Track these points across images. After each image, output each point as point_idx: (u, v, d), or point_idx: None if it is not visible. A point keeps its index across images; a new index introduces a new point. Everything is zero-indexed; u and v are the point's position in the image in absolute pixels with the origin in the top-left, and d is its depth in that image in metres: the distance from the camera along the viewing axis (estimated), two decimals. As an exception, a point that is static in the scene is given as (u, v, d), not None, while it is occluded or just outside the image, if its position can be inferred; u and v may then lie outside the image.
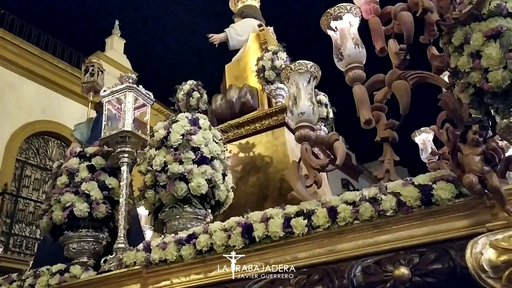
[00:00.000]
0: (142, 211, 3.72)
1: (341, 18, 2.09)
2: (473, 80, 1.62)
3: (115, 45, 12.78)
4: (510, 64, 1.54)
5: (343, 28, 2.08)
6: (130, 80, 2.81)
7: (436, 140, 3.46)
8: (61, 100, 10.20)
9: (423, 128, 3.65)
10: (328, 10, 2.12)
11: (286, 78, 2.17)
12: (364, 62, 2.09)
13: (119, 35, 13.14)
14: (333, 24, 2.11)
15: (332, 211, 1.74)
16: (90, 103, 4.27)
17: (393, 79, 1.98)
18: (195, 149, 2.42)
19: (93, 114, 3.92)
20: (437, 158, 2.92)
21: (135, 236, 2.78)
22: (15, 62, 9.60)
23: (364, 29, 2.28)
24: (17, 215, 8.78)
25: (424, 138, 3.67)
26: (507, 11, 1.64)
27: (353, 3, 2.17)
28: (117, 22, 13.27)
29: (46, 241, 3.08)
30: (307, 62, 2.13)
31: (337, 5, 2.12)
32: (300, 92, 2.06)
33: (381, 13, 2.14)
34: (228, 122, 3.52)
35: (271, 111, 3.35)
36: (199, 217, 2.40)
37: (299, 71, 2.09)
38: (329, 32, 2.16)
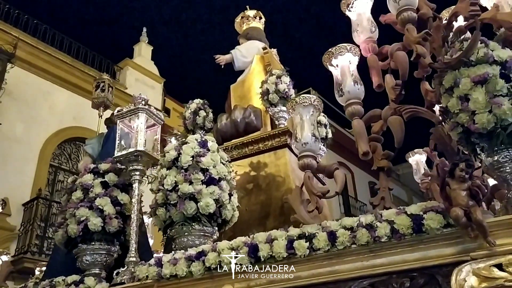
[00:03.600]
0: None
1: (341, 57, 2.25)
2: (462, 120, 1.77)
3: (143, 51, 13.03)
4: (495, 108, 1.68)
5: (343, 66, 2.24)
6: (143, 102, 2.98)
7: (429, 161, 3.64)
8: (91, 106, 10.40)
9: (416, 150, 3.84)
10: (330, 49, 2.29)
11: (291, 109, 2.35)
12: (362, 98, 2.25)
13: (146, 42, 13.34)
14: (334, 62, 2.28)
15: (332, 235, 1.90)
16: (100, 118, 4.41)
17: (389, 114, 2.15)
18: (204, 170, 2.54)
19: (103, 128, 4.07)
20: (429, 179, 3.10)
21: (144, 249, 2.92)
22: (48, 71, 9.91)
23: (363, 61, 2.45)
24: (51, 219, 8.90)
25: (417, 159, 3.85)
26: (493, 59, 1.77)
27: (354, 43, 2.35)
28: (144, 29, 13.46)
29: (57, 252, 3.21)
30: (311, 96, 2.30)
31: (338, 45, 2.28)
32: (303, 124, 2.23)
33: (378, 52, 2.32)
34: (232, 141, 3.66)
35: (274, 132, 3.48)
36: (207, 234, 2.53)
37: (304, 104, 2.27)
38: (331, 69, 2.32)
